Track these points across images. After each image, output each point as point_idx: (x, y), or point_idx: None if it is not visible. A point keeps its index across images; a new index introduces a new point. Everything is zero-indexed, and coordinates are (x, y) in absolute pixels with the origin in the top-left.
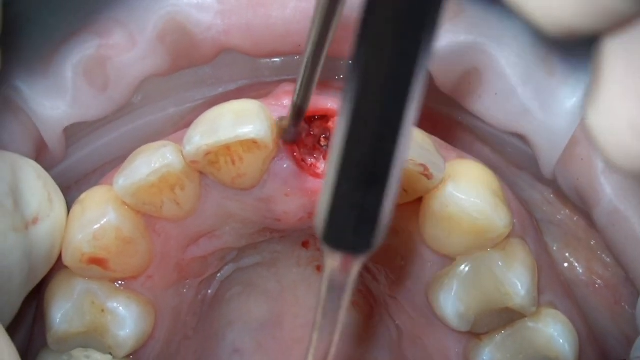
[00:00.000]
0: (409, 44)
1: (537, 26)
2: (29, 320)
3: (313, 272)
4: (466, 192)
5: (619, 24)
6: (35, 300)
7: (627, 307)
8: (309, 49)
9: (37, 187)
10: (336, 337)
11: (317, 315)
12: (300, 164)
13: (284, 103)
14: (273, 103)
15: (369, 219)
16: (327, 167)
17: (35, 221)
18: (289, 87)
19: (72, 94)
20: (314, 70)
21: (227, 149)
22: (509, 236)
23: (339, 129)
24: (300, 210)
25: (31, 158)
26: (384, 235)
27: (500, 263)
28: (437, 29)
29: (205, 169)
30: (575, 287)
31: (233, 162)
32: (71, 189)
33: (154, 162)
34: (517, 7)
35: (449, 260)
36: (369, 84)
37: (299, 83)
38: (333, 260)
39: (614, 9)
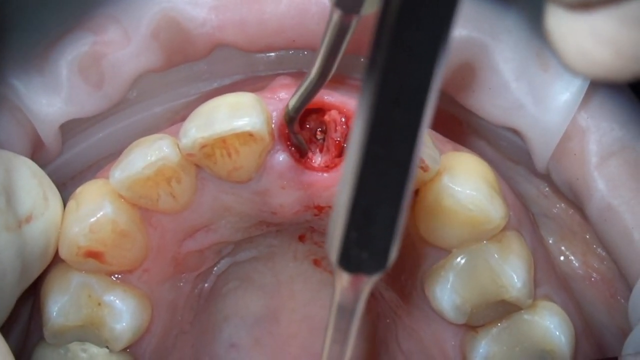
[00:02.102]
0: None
1: (571, 70)
2: (25, 315)
3: (309, 267)
4: (462, 184)
5: None
6: (31, 297)
7: (622, 300)
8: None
9: (32, 185)
10: None
11: (325, 340)
12: (296, 156)
13: (280, 96)
14: (269, 96)
15: (376, 240)
16: (338, 188)
17: (28, 220)
18: (285, 80)
19: (68, 91)
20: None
21: (222, 142)
22: (504, 229)
23: (350, 151)
24: (296, 203)
25: (27, 155)
26: (393, 260)
27: (496, 255)
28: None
29: (201, 162)
30: (571, 280)
31: (229, 155)
32: (67, 185)
33: (150, 155)
34: (553, 47)
35: (444, 252)
36: (381, 109)
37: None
38: (342, 282)
39: None
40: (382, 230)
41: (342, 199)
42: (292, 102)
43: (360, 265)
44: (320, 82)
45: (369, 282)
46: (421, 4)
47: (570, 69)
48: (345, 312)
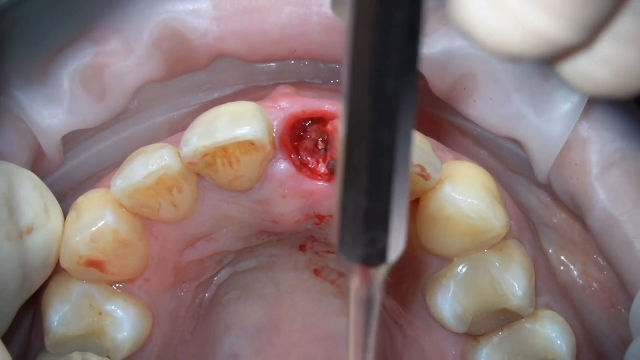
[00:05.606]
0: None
1: (574, 89)
2: (27, 325)
3: (310, 277)
4: (463, 193)
5: None
6: (33, 306)
7: (623, 310)
8: None
9: (33, 197)
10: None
11: (348, 336)
12: (298, 165)
13: (281, 105)
14: (270, 105)
15: (378, 227)
16: (336, 178)
17: (30, 231)
18: (286, 90)
19: (70, 102)
20: None
21: (224, 151)
22: (506, 238)
23: (341, 138)
24: (297, 212)
25: (27, 167)
26: (401, 249)
27: (497, 264)
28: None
29: (202, 171)
30: (571, 290)
31: (230, 164)
32: (67, 196)
33: (151, 163)
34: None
35: (446, 261)
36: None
37: None
38: (354, 276)
39: None
40: (380, 220)
41: (337, 193)
42: None
43: (365, 255)
44: None
45: (379, 274)
46: None
47: (572, 89)
48: (363, 308)
